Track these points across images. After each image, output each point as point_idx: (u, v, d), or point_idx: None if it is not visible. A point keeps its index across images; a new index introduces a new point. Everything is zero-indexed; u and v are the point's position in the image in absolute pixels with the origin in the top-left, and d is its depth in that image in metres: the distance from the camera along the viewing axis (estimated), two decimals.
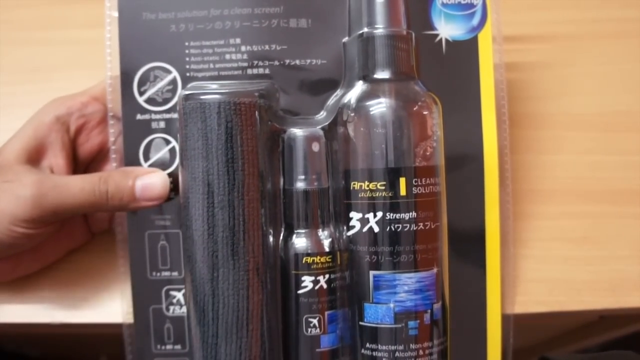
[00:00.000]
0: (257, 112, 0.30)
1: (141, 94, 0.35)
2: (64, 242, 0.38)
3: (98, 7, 0.41)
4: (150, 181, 0.33)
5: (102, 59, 0.41)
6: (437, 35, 0.34)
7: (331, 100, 0.34)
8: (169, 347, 0.35)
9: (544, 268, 0.38)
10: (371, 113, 0.30)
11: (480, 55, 0.34)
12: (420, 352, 0.29)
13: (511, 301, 0.37)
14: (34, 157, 0.35)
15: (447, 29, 0.34)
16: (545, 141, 0.40)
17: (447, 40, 0.34)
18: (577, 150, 0.40)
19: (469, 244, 0.35)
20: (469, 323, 0.35)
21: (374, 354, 0.29)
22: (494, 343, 0.35)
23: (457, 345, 0.33)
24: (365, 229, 0.29)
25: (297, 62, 0.34)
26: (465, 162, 0.34)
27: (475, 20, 0.34)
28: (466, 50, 0.34)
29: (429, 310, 0.29)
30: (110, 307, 0.38)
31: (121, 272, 0.36)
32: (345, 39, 0.34)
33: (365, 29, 0.31)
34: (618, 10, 0.43)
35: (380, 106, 0.30)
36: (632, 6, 0.43)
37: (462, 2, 0.34)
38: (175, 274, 0.35)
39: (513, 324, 0.36)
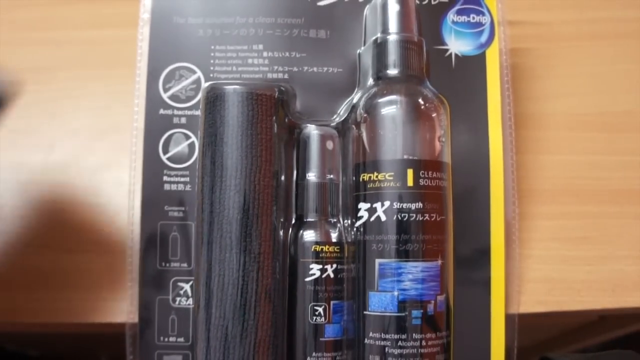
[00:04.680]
0: (275, 105, 0.32)
1: (165, 90, 0.37)
2: None
3: (98, 8, 0.44)
4: None
5: (102, 59, 0.42)
6: (447, 50, 0.37)
7: (345, 105, 0.36)
8: (172, 339, 0.35)
9: (544, 268, 0.38)
10: (382, 108, 0.32)
11: (487, 69, 0.36)
12: (423, 342, 0.29)
13: (516, 301, 0.37)
14: None
15: (456, 45, 0.37)
16: (545, 141, 0.41)
17: (456, 55, 0.37)
18: (577, 150, 0.40)
19: (474, 243, 0.35)
20: (473, 322, 0.35)
21: (377, 343, 0.30)
22: (498, 343, 0.35)
23: (460, 343, 0.33)
24: (373, 218, 0.30)
25: (315, 69, 0.36)
26: (472, 165, 0.36)
27: (484, 38, 0.37)
28: (474, 64, 0.36)
29: (433, 301, 0.30)
30: (111, 306, 0.38)
31: (123, 272, 0.36)
32: (360, 49, 0.36)
33: (379, 35, 0.33)
34: (618, 11, 0.43)
35: (391, 102, 0.32)
36: (632, 6, 0.43)
37: (472, 21, 0.37)
38: (184, 265, 0.35)
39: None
